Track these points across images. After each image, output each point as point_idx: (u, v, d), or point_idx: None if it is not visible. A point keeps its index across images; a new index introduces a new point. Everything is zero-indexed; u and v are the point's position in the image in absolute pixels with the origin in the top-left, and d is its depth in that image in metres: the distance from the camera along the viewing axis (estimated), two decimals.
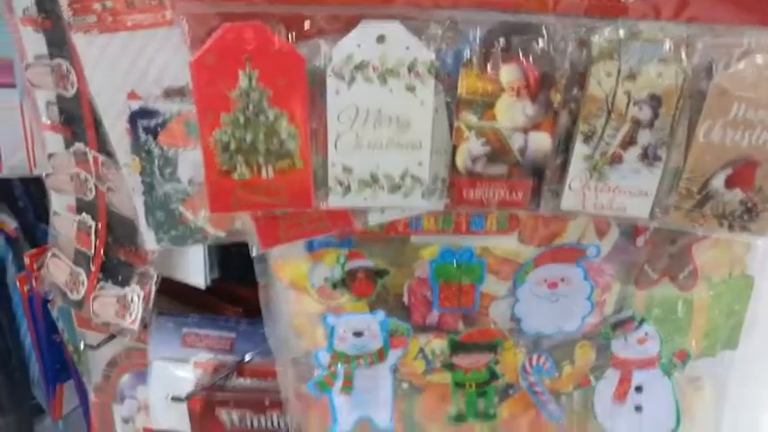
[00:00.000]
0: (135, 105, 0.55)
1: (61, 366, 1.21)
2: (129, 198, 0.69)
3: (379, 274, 0.50)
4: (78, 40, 0.53)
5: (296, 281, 0.50)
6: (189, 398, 0.73)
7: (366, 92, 0.41)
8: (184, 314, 0.79)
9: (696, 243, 0.50)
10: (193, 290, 0.74)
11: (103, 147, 0.68)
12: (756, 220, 0.44)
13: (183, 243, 0.62)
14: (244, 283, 0.83)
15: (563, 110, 0.42)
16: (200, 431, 0.76)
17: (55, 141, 0.72)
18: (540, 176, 0.44)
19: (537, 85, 0.41)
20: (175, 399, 0.73)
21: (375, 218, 0.46)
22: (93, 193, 0.72)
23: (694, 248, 0.50)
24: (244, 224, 0.48)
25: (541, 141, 0.43)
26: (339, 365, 0.51)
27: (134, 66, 0.53)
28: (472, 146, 0.42)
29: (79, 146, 0.71)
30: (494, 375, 0.52)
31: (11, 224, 1.20)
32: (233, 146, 0.41)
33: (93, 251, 0.76)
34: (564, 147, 0.44)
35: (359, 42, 0.40)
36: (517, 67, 0.41)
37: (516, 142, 0.43)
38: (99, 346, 0.82)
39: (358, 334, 0.51)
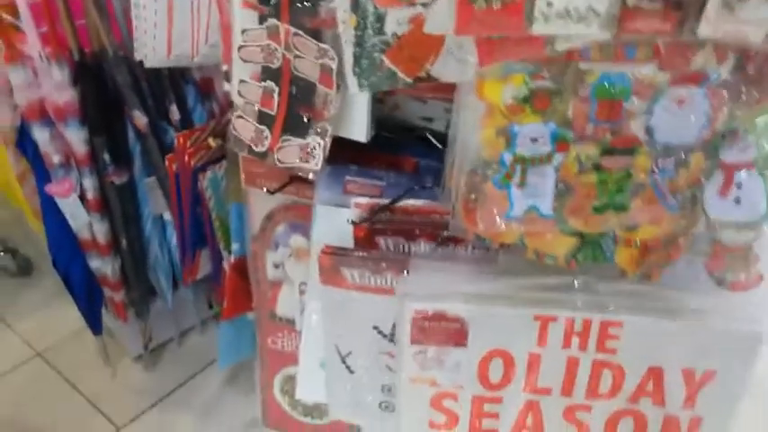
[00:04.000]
0: None
1: (201, 235, 1.41)
2: (313, 64, 0.86)
3: (553, 92, 0.67)
4: None
5: (492, 98, 0.67)
6: (354, 224, 0.91)
7: None
8: (345, 166, 0.97)
9: None
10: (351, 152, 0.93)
11: (296, 20, 0.85)
12: None
13: (378, 88, 0.80)
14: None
15: None
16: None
17: (249, 18, 0.89)
18: (683, 10, 0.61)
19: None
20: (351, 222, 0.91)
21: (561, 45, 0.63)
22: (280, 61, 0.89)
23: None
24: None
25: None
26: (518, 165, 0.70)
27: None
28: None
29: (272, 21, 0.87)
30: (629, 175, 0.70)
31: (141, 119, 1.37)
32: None
33: (276, 110, 0.93)
34: None
35: None
36: None
37: None
38: (274, 192, 1.00)
39: (534, 140, 0.68)
